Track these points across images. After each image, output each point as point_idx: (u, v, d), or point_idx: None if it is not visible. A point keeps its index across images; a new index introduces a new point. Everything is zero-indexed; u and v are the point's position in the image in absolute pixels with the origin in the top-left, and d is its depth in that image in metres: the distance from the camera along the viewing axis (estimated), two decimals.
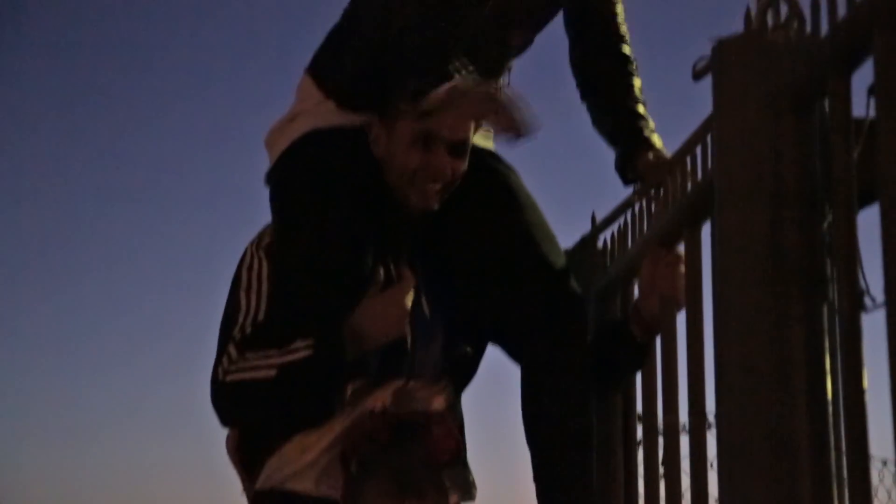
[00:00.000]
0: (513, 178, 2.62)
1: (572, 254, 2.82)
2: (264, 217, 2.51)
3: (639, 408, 2.55)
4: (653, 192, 2.48)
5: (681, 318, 2.28)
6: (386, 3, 2.44)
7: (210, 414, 2.35)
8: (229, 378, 2.28)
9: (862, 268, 1.61)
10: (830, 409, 1.71)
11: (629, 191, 2.64)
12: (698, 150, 2.20)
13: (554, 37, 2.76)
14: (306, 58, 2.59)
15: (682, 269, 2.30)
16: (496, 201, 2.55)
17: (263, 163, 2.58)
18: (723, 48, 1.87)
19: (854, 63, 1.64)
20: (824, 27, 1.72)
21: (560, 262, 2.53)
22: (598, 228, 2.83)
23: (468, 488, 2.41)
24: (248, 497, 2.40)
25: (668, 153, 2.53)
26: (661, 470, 2.35)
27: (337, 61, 2.52)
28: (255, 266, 2.39)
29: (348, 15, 2.55)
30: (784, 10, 1.87)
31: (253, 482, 2.36)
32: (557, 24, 2.77)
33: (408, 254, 2.47)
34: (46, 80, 9.00)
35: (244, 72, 9.33)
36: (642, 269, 2.44)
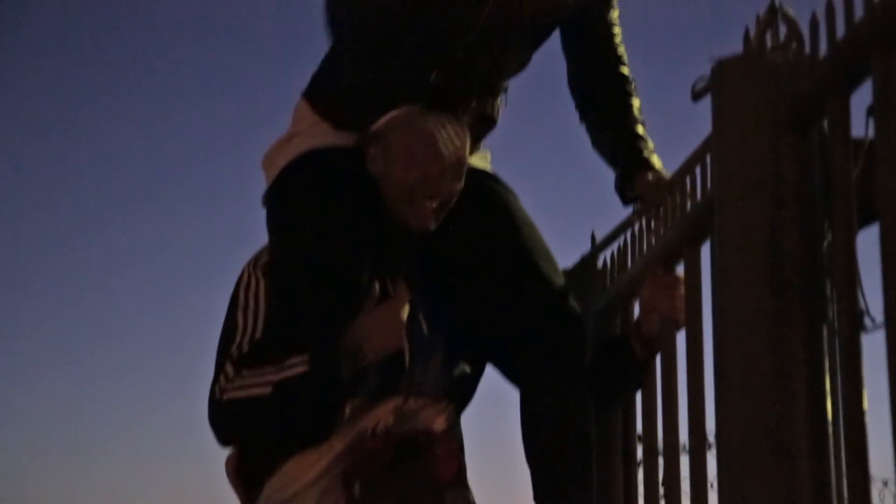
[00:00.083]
0: (510, 197, 2.62)
1: (572, 273, 2.83)
2: (264, 235, 2.52)
3: (639, 428, 2.54)
4: (652, 212, 2.48)
5: (681, 338, 2.28)
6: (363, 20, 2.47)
7: (209, 434, 2.35)
8: (226, 396, 2.28)
9: (862, 288, 1.62)
10: (831, 429, 1.70)
11: (629, 210, 2.64)
12: (697, 171, 2.20)
13: (552, 56, 2.77)
14: (307, 72, 2.61)
15: (682, 290, 2.30)
16: (493, 221, 2.56)
17: (262, 180, 2.60)
18: (722, 68, 1.87)
19: (853, 84, 1.65)
20: (823, 48, 1.73)
21: (558, 280, 2.53)
22: (597, 248, 2.83)
23: None
24: None
25: (667, 173, 2.54)
26: (661, 490, 2.34)
27: (331, 82, 2.53)
28: (253, 285, 2.39)
29: (335, 37, 2.57)
30: (783, 30, 1.88)
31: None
32: (556, 44, 2.77)
33: (405, 271, 2.47)
34: (46, 81, 9.01)
35: (246, 72, 9.34)
36: (642, 290, 2.44)
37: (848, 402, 1.61)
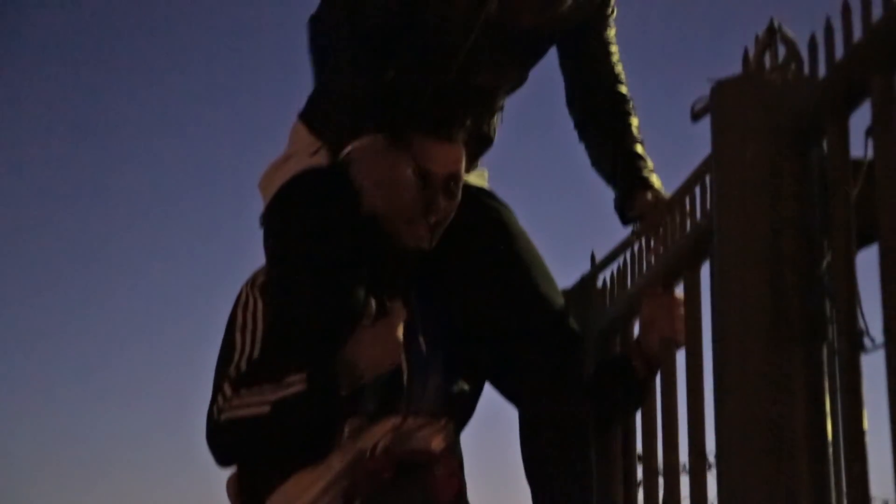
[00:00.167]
0: (508, 215, 2.63)
1: (572, 293, 2.83)
2: (262, 255, 2.53)
3: (639, 447, 2.54)
4: (652, 232, 2.48)
5: (681, 358, 2.28)
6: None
7: (208, 456, 2.35)
8: (224, 416, 2.28)
9: (861, 308, 1.62)
10: (831, 449, 1.70)
11: (629, 230, 2.64)
12: (697, 190, 2.20)
13: (552, 74, 2.78)
14: (305, 92, 2.62)
15: (681, 310, 2.30)
16: (491, 239, 2.56)
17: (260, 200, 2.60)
18: (721, 89, 1.88)
19: (852, 104, 1.65)
20: (822, 69, 1.73)
21: (556, 299, 2.53)
22: (597, 268, 2.83)
23: None
24: None
25: (666, 193, 2.54)
26: None
27: (324, 105, 2.54)
28: (251, 305, 2.40)
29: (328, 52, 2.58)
30: (782, 51, 1.88)
31: None
32: (554, 61, 2.78)
33: (402, 289, 2.47)
34: (46, 80, 9.00)
35: (249, 72, 9.33)
36: (641, 310, 2.44)
37: (848, 422, 1.61)
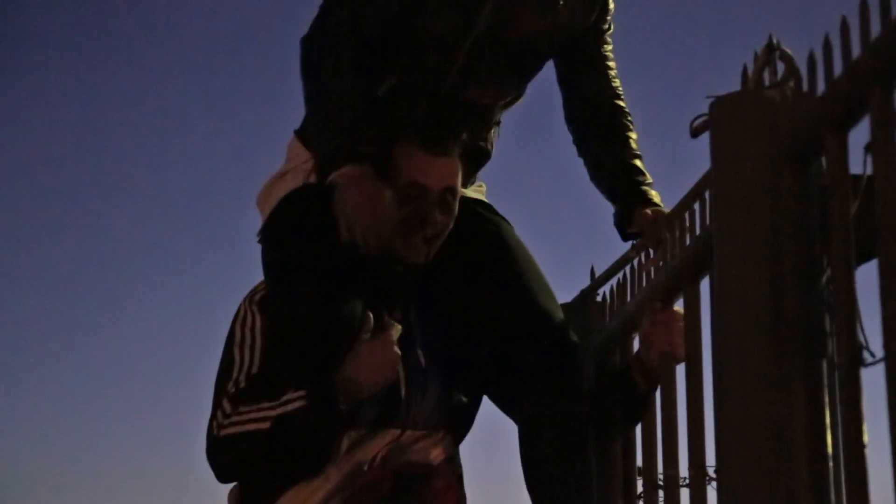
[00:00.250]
0: (506, 228, 2.64)
1: (571, 307, 2.83)
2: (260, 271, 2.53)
3: (639, 461, 2.54)
4: (652, 247, 2.49)
5: (681, 371, 2.28)
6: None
7: (209, 472, 2.35)
8: (223, 433, 2.29)
9: (861, 322, 1.62)
10: (831, 464, 1.71)
11: (628, 244, 2.65)
12: (696, 206, 2.21)
13: (549, 87, 2.79)
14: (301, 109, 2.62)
15: (681, 324, 2.30)
16: (489, 251, 2.57)
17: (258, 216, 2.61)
18: (720, 105, 1.89)
19: (851, 120, 1.66)
20: (821, 85, 1.74)
21: (555, 312, 2.54)
22: (597, 282, 2.84)
23: None
24: None
25: (665, 207, 2.55)
26: None
27: (319, 120, 2.54)
28: (249, 321, 2.40)
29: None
30: (781, 67, 1.89)
31: None
32: (552, 74, 2.79)
33: (401, 303, 2.48)
34: (46, 81, 8.99)
35: (250, 72, 9.31)
36: (641, 325, 2.45)
37: (848, 437, 1.61)
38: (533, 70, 2.70)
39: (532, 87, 2.75)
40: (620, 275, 2.69)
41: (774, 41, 1.90)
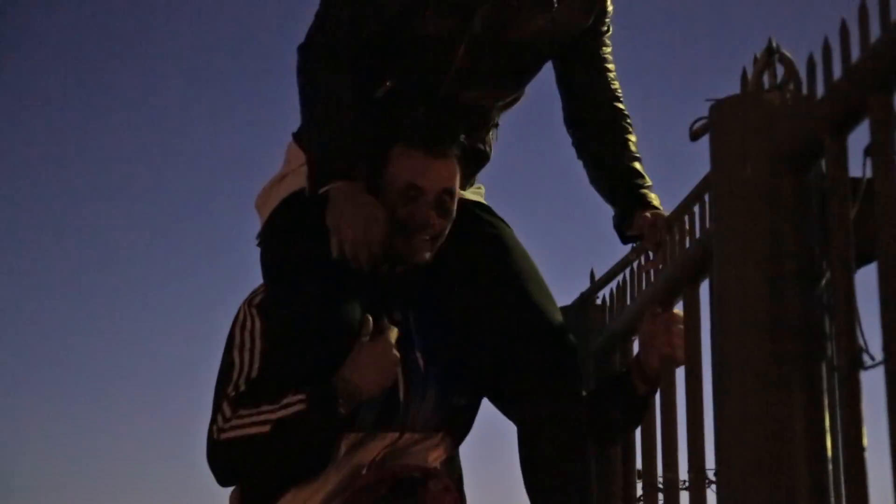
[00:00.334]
0: (504, 230, 2.64)
1: (571, 310, 2.84)
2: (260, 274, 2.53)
3: (638, 464, 2.54)
4: (651, 250, 2.49)
5: (680, 374, 2.29)
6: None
7: (209, 473, 2.35)
8: (223, 436, 2.29)
9: (860, 325, 1.62)
10: (830, 467, 1.71)
11: (628, 247, 2.65)
12: (696, 209, 2.21)
13: (549, 89, 2.79)
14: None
15: (681, 327, 2.31)
16: (488, 253, 2.57)
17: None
18: (720, 109, 1.89)
19: (850, 124, 1.66)
20: (820, 88, 1.74)
21: (555, 314, 2.54)
22: (596, 286, 2.84)
23: None
24: None
25: (664, 210, 2.55)
26: None
27: (315, 124, 2.54)
28: (248, 324, 2.40)
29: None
30: (780, 71, 1.89)
31: None
32: (551, 76, 2.79)
33: (399, 305, 2.48)
34: (46, 81, 8.98)
35: (250, 74, 9.31)
36: (641, 328, 2.45)
37: (848, 440, 1.61)
38: (531, 72, 2.70)
39: (531, 89, 2.75)
40: (620, 278, 2.69)
41: (774, 44, 1.90)
